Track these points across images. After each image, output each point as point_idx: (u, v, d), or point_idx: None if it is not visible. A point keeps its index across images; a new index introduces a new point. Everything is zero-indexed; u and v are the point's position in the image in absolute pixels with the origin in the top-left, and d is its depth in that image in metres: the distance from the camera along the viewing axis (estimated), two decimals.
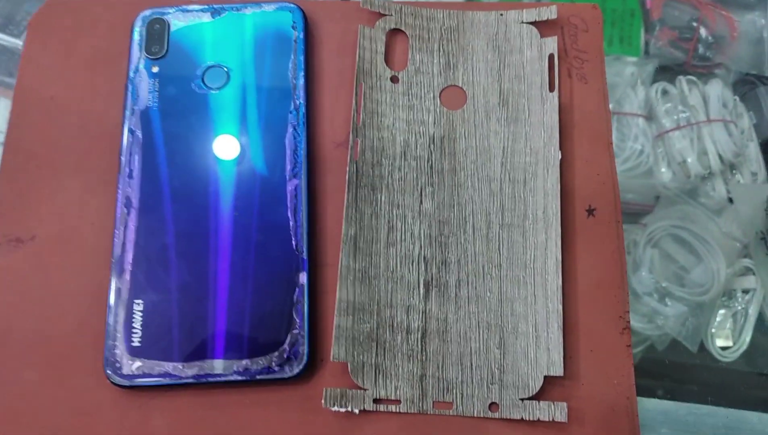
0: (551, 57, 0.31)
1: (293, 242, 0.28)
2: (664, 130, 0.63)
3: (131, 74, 0.30)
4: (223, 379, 0.26)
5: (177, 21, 0.31)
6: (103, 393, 0.27)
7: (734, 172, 0.63)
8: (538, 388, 0.27)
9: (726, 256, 0.59)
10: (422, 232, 0.29)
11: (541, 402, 0.26)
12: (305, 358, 0.27)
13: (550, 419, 0.26)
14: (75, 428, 0.27)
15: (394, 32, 0.32)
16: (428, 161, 0.30)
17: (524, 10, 0.32)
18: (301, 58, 0.31)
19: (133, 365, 0.26)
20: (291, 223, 0.28)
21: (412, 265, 0.28)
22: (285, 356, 0.27)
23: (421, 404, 0.27)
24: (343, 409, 0.26)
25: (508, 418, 0.26)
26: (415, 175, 0.29)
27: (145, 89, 0.30)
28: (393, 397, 0.27)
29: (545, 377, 0.27)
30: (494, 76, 0.31)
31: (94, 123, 0.31)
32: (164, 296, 0.27)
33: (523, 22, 0.32)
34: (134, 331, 0.27)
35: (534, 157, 0.30)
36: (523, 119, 0.30)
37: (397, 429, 0.27)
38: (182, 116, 0.30)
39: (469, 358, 0.27)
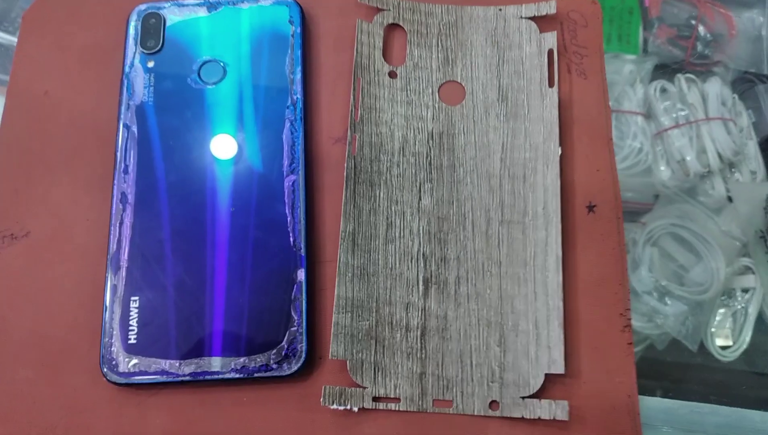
0: (550, 52, 0.31)
1: (291, 239, 0.28)
2: (663, 128, 0.63)
3: (126, 69, 0.30)
4: (220, 376, 0.26)
5: (173, 15, 0.31)
6: (100, 391, 0.27)
7: (733, 170, 0.63)
8: (538, 386, 0.26)
9: (725, 254, 0.59)
10: (421, 228, 0.29)
11: (542, 400, 0.26)
12: (303, 355, 0.26)
13: (551, 417, 0.26)
14: (71, 426, 0.27)
15: (392, 27, 0.32)
16: (427, 157, 0.29)
17: (523, 5, 0.31)
18: (299, 53, 0.30)
19: (129, 363, 0.26)
20: (289, 220, 0.28)
21: (411, 261, 0.28)
22: (283, 354, 0.26)
23: (420, 402, 0.26)
24: (341, 408, 0.26)
25: (509, 416, 0.26)
26: (413, 171, 0.29)
27: (140, 84, 0.30)
28: (392, 395, 0.26)
29: (546, 375, 0.26)
30: (493, 71, 0.31)
31: (88, 118, 0.30)
32: (161, 293, 0.27)
33: (522, 17, 0.31)
34: (131, 328, 0.27)
35: (533, 153, 0.29)
36: (522, 115, 0.30)
37: (396, 427, 0.26)
38: (178, 111, 0.29)
39: (469, 356, 0.27)
